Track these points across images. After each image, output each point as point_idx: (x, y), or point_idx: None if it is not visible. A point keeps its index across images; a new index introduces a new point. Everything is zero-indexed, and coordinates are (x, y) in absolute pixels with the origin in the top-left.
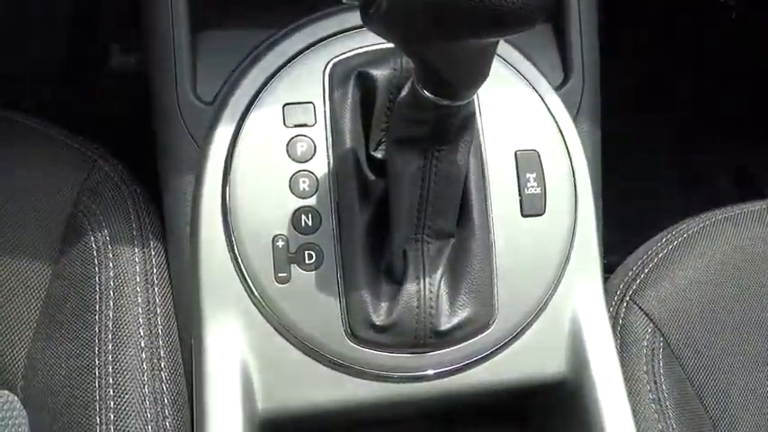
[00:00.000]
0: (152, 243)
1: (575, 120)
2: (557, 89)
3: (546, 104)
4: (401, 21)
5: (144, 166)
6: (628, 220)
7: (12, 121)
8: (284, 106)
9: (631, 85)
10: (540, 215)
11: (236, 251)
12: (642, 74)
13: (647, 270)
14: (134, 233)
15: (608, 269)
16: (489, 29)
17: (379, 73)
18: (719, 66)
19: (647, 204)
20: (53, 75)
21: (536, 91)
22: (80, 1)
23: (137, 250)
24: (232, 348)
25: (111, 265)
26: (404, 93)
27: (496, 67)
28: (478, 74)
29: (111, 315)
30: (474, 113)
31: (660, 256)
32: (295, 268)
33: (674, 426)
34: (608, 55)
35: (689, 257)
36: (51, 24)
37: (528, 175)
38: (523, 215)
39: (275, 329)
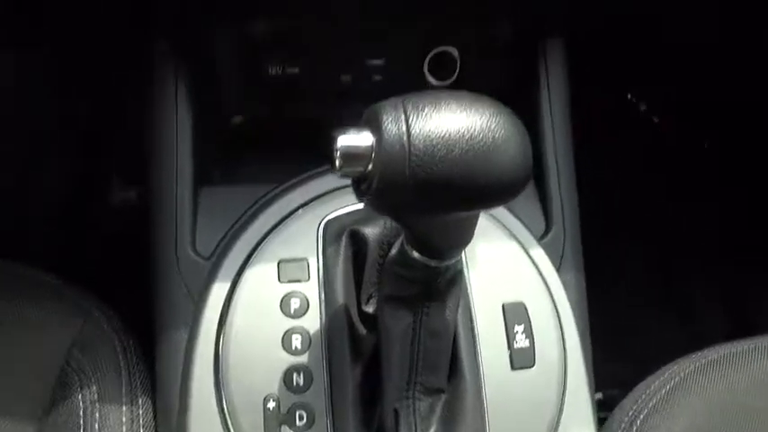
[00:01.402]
0: (140, 401)
1: (558, 269)
2: (540, 239)
3: (530, 256)
4: (391, 197)
5: (139, 311)
6: (621, 352)
7: (6, 269)
8: (279, 263)
9: (614, 218)
10: (530, 368)
11: (226, 412)
12: (625, 207)
13: (642, 416)
14: (123, 390)
15: (603, 405)
16: (475, 204)
17: (371, 231)
18: (698, 196)
19: (639, 335)
20: (53, 210)
21: (519, 242)
22: (84, 136)
23: (124, 409)
24: None
25: (96, 426)
26: (393, 251)
27: (481, 220)
28: (465, 238)
29: None
30: (461, 270)
31: (654, 401)
32: (286, 430)
33: None
34: (589, 192)
35: (681, 403)
36: (57, 156)
37: (516, 328)
38: (513, 368)
39: None
